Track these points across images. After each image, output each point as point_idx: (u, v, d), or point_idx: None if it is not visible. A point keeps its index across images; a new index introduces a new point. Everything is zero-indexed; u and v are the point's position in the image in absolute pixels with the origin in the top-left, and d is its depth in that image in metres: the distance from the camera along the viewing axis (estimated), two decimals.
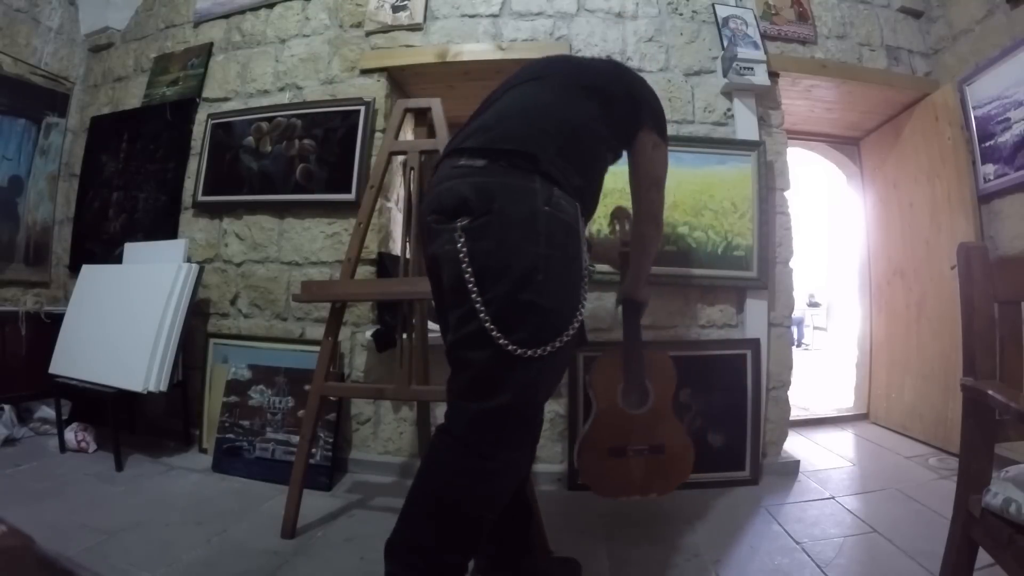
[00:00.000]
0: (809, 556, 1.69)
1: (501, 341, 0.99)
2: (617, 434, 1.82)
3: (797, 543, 1.79)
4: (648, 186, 1.46)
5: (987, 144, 2.59)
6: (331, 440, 2.29)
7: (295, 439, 2.18)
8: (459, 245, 1.03)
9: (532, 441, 1.16)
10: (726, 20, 2.58)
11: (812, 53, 2.73)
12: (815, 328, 10.12)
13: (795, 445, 2.74)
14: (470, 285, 1.01)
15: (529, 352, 1.00)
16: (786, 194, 2.59)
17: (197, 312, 2.72)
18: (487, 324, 1.00)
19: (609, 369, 1.86)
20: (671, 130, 2.51)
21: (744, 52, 2.45)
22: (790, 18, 2.73)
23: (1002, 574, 1.02)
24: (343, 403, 2.42)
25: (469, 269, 1.02)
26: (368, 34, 2.77)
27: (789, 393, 2.52)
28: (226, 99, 2.96)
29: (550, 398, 1.45)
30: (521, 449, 1.09)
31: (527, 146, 1.09)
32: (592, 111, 1.26)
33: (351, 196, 2.55)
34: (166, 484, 2.24)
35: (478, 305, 1.01)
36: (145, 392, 2.36)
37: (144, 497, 2.08)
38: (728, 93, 2.54)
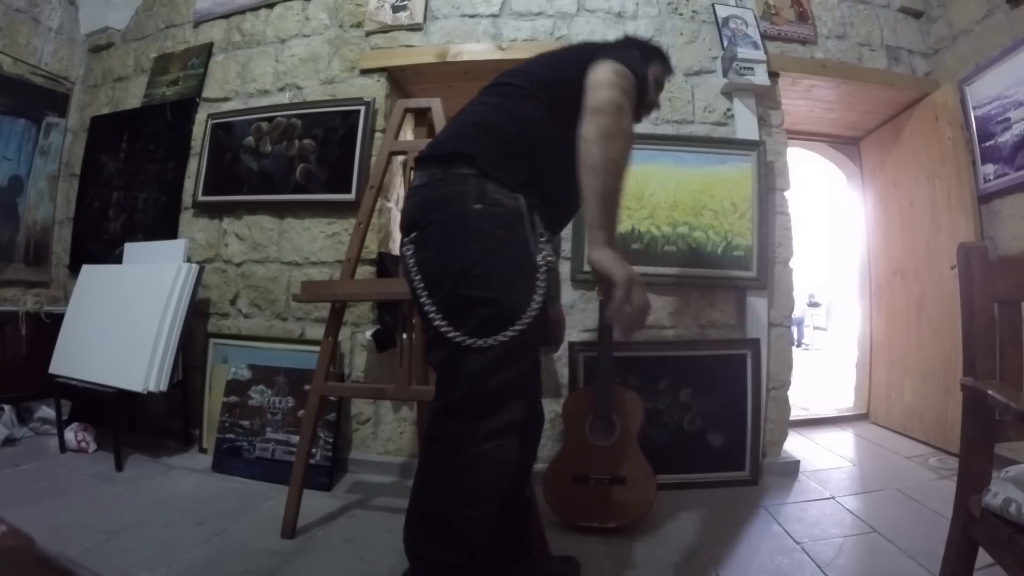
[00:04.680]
0: (809, 556, 1.69)
1: (451, 335, 1.04)
2: (581, 462, 1.89)
3: (797, 543, 1.79)
4: (585, 121, 1.12)
5: (987, 144, 2.60)
6: (331, 440, 2.29)
7: (295, 439, 2.18)
8: (408, 257, 1.12)
9: (505, 432, 1.08)
10: (726, 20, 2.58)
11: (812, 53, 2.73)
12: (815, 328, 10.11)
13: (795, 445, 2.74)
14: (419, 292, 1.09)
15: (479, 343, 1.03)
16: (786, 194, 2.59)
17: (197, 312, 2.72)
18: (437, 322, 1.06)
19: (580, 400, 1.97)
20: (671, 130, 2.57)
21: (744, 52, 2.45)
22: (790, 18, 2.73)
23: (1002, 574, 1.02)
24: (343, 403, 2.42)
25: (417, 277, 1.10)
26: (368, 34, 2.77)
27: (789, 393, 2.52)
28: (226, 99, 2.96)
29: (541, 397, 1.45)
30: (492, 440, 1.06)
31: (465, 148, 1.13)
32: (535, 113, 1.19)
33: (351, 196, 2.55)
34: (166, 484, 2.24)
35: (428, 307, 1.07)
36: (145, 392, 2.36)
37: (144, 497, 2.09)
38: (728, 93, 2.54)
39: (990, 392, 1.02)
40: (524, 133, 1.17)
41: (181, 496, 2.11)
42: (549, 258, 1.13)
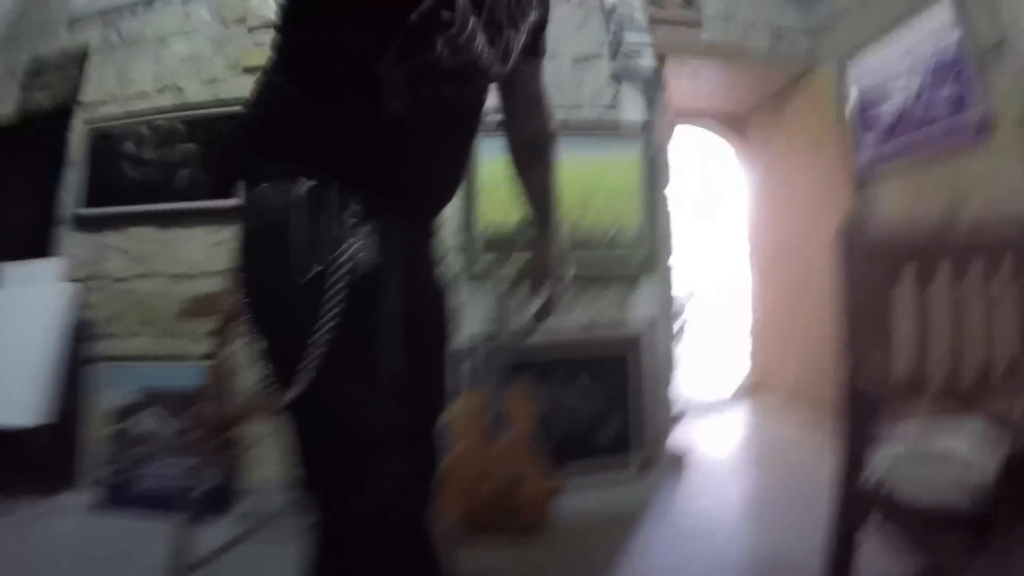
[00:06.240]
0: (703, 545, 1.71)
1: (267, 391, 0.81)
2: (475, 467, 1.82)
3: (689, 535, 1.80)
4: None
5: (867, 118, 2.69)
6: (226, 463, 2.18)
7: (187, 464, 2.05)
8: None
9: (393, 504, 0.75)
10: (612, 6, 2.58)
11: (698, 35, 2.77)
12: (702, 312, 10.26)
13: (684, 435, 2.69)
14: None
15: (282, 401, 0.75)
16: (673, 177, 2.62)
17: (79, 335, 2.52)
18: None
19: (469, 403, 1.88)
20: (558, 114, 2.52)
21: (631, 36, 2.46)
22: (677, 3, 2.76)
23: (884, 552, 1.09)
24: (235, 425, 2.28)
25: None
26: (251, 30, 2.64)
27: (676, 383, 2.53)
28: (104, 103, 2.76)
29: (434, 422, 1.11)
30: (373, 525, 0.74)
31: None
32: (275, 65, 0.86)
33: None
34: (49, 527, 2.06)
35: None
36: (21, 426, 2.18)
37: (25, 546, 1.90)
38: (616, 77, 2.55)
39: (863, 373, 1.03)
40: (272, 94, 0.85)
41: (66, 539, 1.96)
42: (348, 257, 0.75)
